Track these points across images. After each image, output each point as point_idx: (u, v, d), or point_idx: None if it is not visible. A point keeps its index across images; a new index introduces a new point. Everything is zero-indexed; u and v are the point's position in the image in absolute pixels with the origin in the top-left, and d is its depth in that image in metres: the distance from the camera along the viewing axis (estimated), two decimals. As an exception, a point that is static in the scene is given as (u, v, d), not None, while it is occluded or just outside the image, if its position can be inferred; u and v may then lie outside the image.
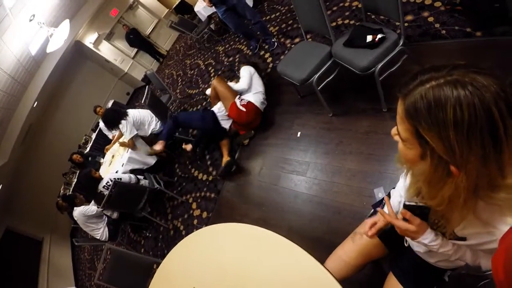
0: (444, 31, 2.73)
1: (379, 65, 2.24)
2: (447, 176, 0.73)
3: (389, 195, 1.48)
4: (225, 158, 3.53)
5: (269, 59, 4.45)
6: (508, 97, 0.62)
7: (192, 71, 6.85)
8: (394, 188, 1.42)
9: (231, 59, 5.54)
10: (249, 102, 3.49)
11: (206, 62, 6.47)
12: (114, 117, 4.21)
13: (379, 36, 2.23)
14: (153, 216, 4.09)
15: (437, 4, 2.96)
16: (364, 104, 2.79)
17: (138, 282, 2.74)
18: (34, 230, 7.76)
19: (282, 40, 4.52)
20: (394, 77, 2.42)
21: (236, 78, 4.62)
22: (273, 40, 4.64)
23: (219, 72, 5.55)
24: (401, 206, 1.21)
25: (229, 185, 3.51)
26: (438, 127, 0.67)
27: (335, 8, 3.95)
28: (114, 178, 3.74)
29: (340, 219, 2.32)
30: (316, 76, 2.63)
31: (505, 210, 0.74)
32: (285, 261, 1.41)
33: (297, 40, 4.23)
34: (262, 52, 4.73)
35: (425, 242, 1.00)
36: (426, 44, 2.78)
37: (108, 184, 3.83)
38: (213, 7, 4.41)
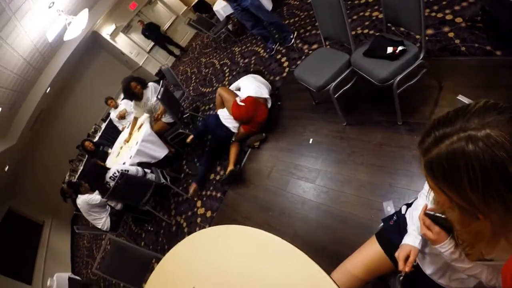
0: (464, 48, 2.71)
1: (398, 78, 2.22)
2: (475, 219, 0.72)
3: (400, 211, 1.46)
4: (230, 167, 3.51)
5: (286, 63, 4.45)
6: None
7: (207, 70, 6.87)
8: (408, 204, 1.40)
9: (246, 60, 5.55)
10: (248, 97, 3.58)
11: (222, 62, 6.49)
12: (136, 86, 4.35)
13: (400, 48, 2.21)
14: (157, 210, 4.09)
15: (458, 20, 2.94)
16: (379, 115, 2.76)
17: (136, 275, 2.73)
18: (36, 213, 7.82)
19: (300, 45, 4.52)
20: (412, 91, 2.41)
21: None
22: (291, 36, 4.66)
23: (234, 73, 5.56)
24: None
25: (236, 186, 3.49)
26: (455, 187, 0.67)
27: (355, 17, 3.94)
28: (121, 170, 3.74)
29: (346, 229, 2.30)
30: (334, 83, 2.61)
31: None
32: (289, 268, 1.38)
33: (315, 46, 4.22)
34: (278, 56, 4.73)
35: (441, 250, 1.01)
36: (445, 59, 2.76)
37: (115, 175, 3.84)
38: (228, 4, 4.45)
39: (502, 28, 2.45)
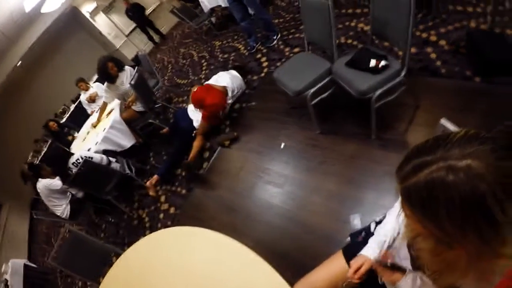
0: (444, 70, 2.74)
1: (378, 92, 2.20)
2: (449, 249, 0.71)
3: (369, 227, 1.44)
4: (187, 160, 3.50)
5: (265, 63, 4.39)
6: (508, 180, 0.57)
7: (184, 61, 6.72)
8: (377, 222, 1.37)
9: (226, 56, 5.45)
10: (206, 84, 3.77)
11: (200, 54, 6.35)
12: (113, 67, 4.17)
13: (383, 62, 2.19)
14: (119, 202, 3.91)
15: (442, 42, 2.98)
16: (354, 127, 2.75)
17: (93, 268, 2.61)
18: (-5, 194, 7.42)
19: (281, 47, 4.47)
20: (388, 106, 2.41)
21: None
22: (274, 37, 4.61)
23: (211, 67, 5.45)
24: (385, 246, 1.18)
25: (202, 184, 3.40)
26: (432, 216, 0.64)
27: (340, 26, 3.93)
28: (85, 156, 3.57)
29: (312, 239, 2.26)
30: (312, 90, 2.57)
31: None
32: (250, 276, 1.35)
33: (296, 49, 4.18)
34: (259, 55, 4.66)
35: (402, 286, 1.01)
36: (424, 79, 2.78)
37: (78, 161, 3.65)
38: None
39: (485, 56, 2.48)
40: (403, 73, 2.22)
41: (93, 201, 4.10)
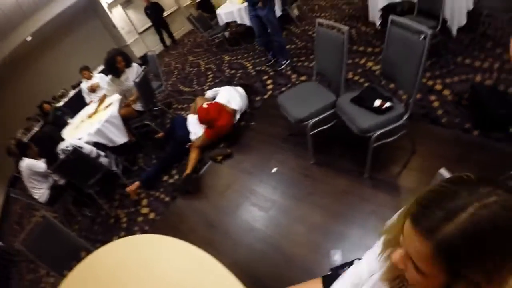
0: (444, 119, 2.78)
1: (378, 132, 2.21)
2: None
3: (351, 264, 1.41)
4: (187, 171, 3.42)
5: (270, 86, 4.42)
6: None
7: (191, 69, 6.74)
8: (358, 259, 1.35)
9: (233, 71, 5.48)
10: (215, 102, 3.70)
11: (208, 66, 6.38)
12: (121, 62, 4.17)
13: (387, 104, 2.21)
14: (99, 197, 3.82)
15: (446, 92, 3.03)
16: (349, 163, 2.74)
17: (60, 261, 2.51)
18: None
19: (289, 72, 4.51)
20: (385, 147, 2.41)
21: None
22: (284, 62, 4.65)
23: (216, 80, 5.47)
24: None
25: (187, 195, 3.32)
26: (480, 261, 0.59)
27: (350, 61, 3.98)
28: (75, 145, 3.51)
29: (289, 268, 2.22)
30: (314, 120, 2.57)
31: None
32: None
33: (303, 77, 4.22)
34: (265, 77, 4.69)
35: None
36: (424, 125, 2.81)
37: (67, 148, 3.58)
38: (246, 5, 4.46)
39: (486, 111, 2.52)
40: (405, 117, 2.23)
41: (73, 191, 4.01)
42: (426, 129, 2.77)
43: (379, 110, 2.22)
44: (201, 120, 3.66)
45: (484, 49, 3.44)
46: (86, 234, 3.62)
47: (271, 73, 4.65)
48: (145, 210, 3.44)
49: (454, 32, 3.60)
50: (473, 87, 2.80)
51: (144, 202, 3.56)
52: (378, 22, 4.44)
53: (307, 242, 2.32)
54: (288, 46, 5.20)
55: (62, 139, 3.84)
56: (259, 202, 2.82)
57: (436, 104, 2.95)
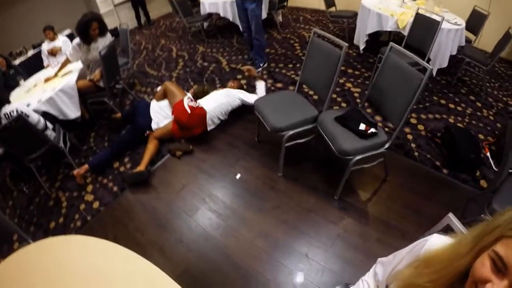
0: (417, 153, 2.83)
1: (359, 157, 2.13)
2: None
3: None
4: (140, 167, 3.09)
5: (244, 87, 4.24)
6: None
7: (161, 53, 6.38)
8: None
9: (205, 64, 5.23)
10: (200, 108, 3.32)
11: (180, 53, 6.07)
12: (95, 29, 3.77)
13: (372, 130, 2.15)
14: (40, 173, 3.41)
15: (421, 127, 3.07)
16: (319, 182, 2.65)
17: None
18: None
19: (265, 77, 4.38)
20: (361, 174, 2.36)
21: (198, 83, 4.50)
22: (261, 64, 4.54)
23: (187, 69, 5.21)
24: None
25: (138, 189, 3.01)
26: None
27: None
28: (22, 112, 3.11)
29: (245, 284, 2.06)
30: (292, 132, 2.45)
31: None
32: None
33: (279, 85, 4.12)
34: (239, 76, 4.52)
35: None
36: (397, 156, 2.84)
37: (11, 113, 3.17)
38: None
39: (458, 153, 2.59)
40: (387, 145, 2.19)
41: (12, 163, 3.58)
42: (399, 160, 2.79)
43: (363, 135, 2.14)
44: (177, 120, 3.33)
45: (459, 94, 3.55)
46: (21, 213, 3.17)
47: (246, 74, 4.50)
48: (89, 198, 3.07)
49: (434, 72, 3.69)
50: (447, 128, 2.88)
51: (89, 188, 3.19)
52: (362, 46, 4.47)
53: (267, 259, 2.17)
54: (267, 50, 5.09)
55: (8, 102, 3.38)
56: (218, 208, 2.63)
57: (410, 137, 2.99)
